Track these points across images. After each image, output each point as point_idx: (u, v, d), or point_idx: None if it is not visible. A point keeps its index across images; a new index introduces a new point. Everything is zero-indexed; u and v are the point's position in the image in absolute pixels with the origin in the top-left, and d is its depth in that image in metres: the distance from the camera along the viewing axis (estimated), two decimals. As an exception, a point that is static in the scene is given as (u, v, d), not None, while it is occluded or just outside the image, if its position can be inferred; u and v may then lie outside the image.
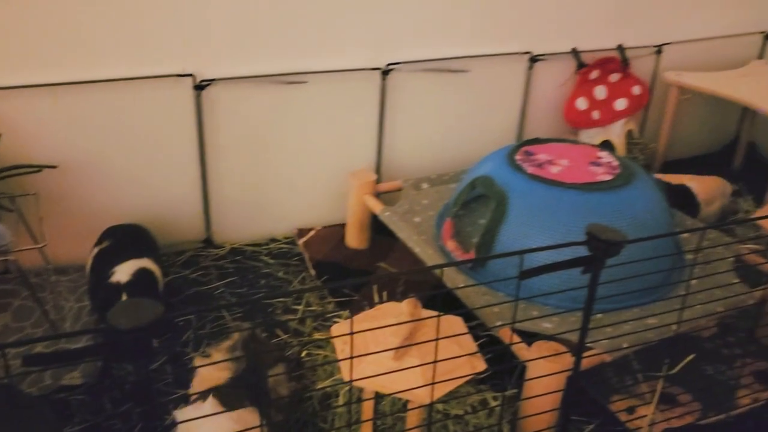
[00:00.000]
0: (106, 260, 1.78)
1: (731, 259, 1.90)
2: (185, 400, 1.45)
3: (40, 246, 1.69)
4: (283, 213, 2.32)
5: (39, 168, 1.81)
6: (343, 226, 2.32)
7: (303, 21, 2.07)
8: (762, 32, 2.94)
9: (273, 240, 2.32)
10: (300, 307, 1.99)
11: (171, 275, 2.09)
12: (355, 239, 2.28)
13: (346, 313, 1.94)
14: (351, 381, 1.22)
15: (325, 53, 2.14)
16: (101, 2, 1.82)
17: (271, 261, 2.21)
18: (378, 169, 2.39)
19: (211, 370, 1.50)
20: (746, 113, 2.95)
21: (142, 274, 1.74)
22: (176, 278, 2.09)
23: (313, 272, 2.14)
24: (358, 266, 2.19)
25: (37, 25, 1.78)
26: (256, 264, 2.19)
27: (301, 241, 2.28)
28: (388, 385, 1.31)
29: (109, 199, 2.05)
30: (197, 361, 1.57)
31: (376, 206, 2.15)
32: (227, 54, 2.01)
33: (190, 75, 1.98)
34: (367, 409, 1.48)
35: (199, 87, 2.00)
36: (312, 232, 2.34)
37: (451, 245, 1.92)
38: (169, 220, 2.17)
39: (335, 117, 2.25)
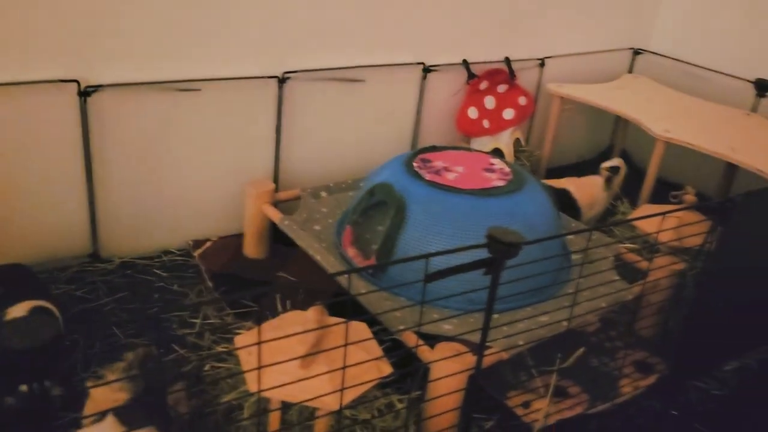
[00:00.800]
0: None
1: (612, 258, 2.04)
2: (76, 425, 1.37)
3: None
4: (176, 224, 2.24)
5: None
6: (240, 236, 2.28)
7: (198, 26, 2.02)
8: (631, 48, 3.19)
9: (166, 252, 2.23)
10: (197, 321, 1.92)
11: (54, 291, 1.97)
12: (253, 249, 2.24)
13: (248, 324, 1.90)
14: (258, 392, 1.20)
15: (220, 60, 2.10)
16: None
17: (165, 274, 2.13)
18: (275, 178, 2.36)
19: (107, 392, 1.42)
20: (619, 122, 3.19)
21: (39, 311, 1.61)
22: (60, 295, 1.96)
23: (210, 284, 2.08)
24: (257, 276, 2.15)
25: None
26: (149, 278, 2.10)
27: (196, 253, 2.21)
28: (297, 393, 1.30)
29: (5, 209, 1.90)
30: (90, 383, 1.48)
31: (275, 215, 2.12)
32: (115, 58, 1.93)
33: (75, 81, 1.88)
34: (274, 420, 1.46)
35: (85, 93, 1.90)
36: (208, 243, 2.27)
37: (351, 252, 1.93)
38: (51, 233, 2.04)
39: (230, 125, 2.21)
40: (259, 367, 1.14)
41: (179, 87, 2.04)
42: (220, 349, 1.79)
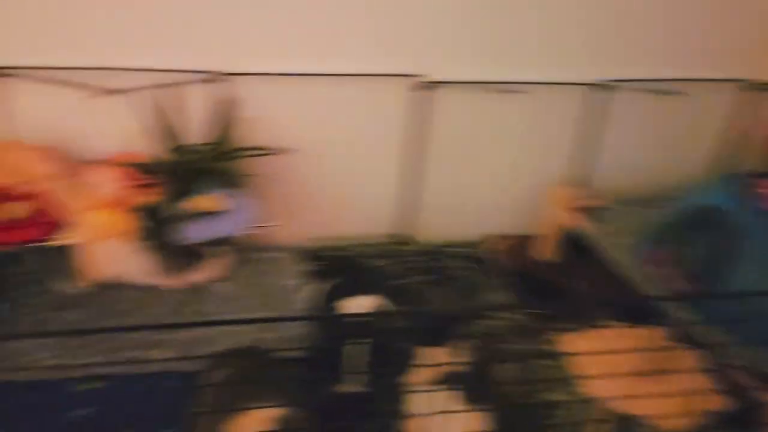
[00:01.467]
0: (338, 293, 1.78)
1: None
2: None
3: (277, 225, 1.81)
4: (475, 218, 2.35)
5: (273, 152, 1.93)
6: (531, 238, 2.32)
7: (526, 31, 2.08)
8: None
9: (465, 244, 2.35)
10: (495, 317, 2.01)
11: (370, 265, 2.18)
12: (546, 252, 2.27)
13: (556, 326, 1.94)
14: (594, 398, 1.22)
15: (543, 64, 2.14)
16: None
17: (465, 264, 2.25)
18: (580, 184, 2.36)
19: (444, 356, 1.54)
20: None
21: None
22: (375, 269, 2.17)
23: (503, 280, 2.16)
24: (549, 280, 2.18)
25: (282, 20, 1.90)
26: (452, 265, 2.24)
27: (492, 248, 2.30)
28: (631, 406, 1.30)
29: (330, 185, 2.15)
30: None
31: (577, 222, 2.13)
32: (457, 58, 2.06)
33: (418, 75, 2.05)
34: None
35: (422, 88, 2.06)
36: (502, 240, 2.35)
37: (658, 272, 1.87)
38: (367, 212, 2.26)
39: (540, 128, 2.25)
40: (596, 376, 1.16)
41: (505, 89, 2.12)
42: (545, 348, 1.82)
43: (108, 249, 1.58)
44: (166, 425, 1.55)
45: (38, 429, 1.49)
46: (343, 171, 2.16)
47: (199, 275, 1.88)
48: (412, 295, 2.03)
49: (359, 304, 1.71)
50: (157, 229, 1.63)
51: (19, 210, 1.58)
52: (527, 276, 2.19)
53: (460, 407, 1.40)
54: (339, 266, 1.94)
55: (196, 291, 1.91)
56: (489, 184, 2.30)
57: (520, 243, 2.34)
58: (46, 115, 1.88)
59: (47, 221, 1.60)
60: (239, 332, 1.79)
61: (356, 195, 2.21)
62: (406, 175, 2.21)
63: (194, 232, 1.65)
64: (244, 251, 2.01)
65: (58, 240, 1.58)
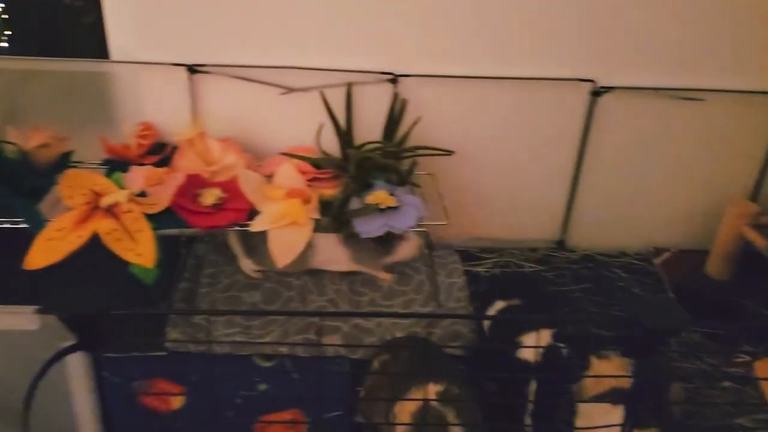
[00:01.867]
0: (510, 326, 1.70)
1: None
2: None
3: (443, 223, 1.84)
4: (639, 228, 2.27)
5: (447, 152, 1.97)
6: (704, 252, 2.20)
7: (705, 36, 1.98)
8: None
9: (623, 254, 2.27)
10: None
11: (526, 269, 2.16)
12: (717, 269, 2.14)
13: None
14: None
15: (727, 71, 2.03)
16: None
17: (624, 274, 2.17)
18: (758, 199, 2.21)
19: (609, 368, 1.51)
20: None
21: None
22: (533, 272, 2.15)
23: (671, 296, 2.06)
24: (720, 299, 2.06)
25: (457, 23, 1.93)
26: (609, 275, 2.17)
27: (657, 261, 2.21)
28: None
29: (489, 187, 2.17)
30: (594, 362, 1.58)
31: (758, 239, 1.99)
32: (627, 63, 2.00)
33: (591, 81, 2.01)
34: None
35: (596, 93, 2.02)
36: (668, 254, 2.25)
37: None
38: (527, 215, 2.24)
39: (719, 138, 2.13)
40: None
41: (683, 96, 2.03)
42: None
43: (288, 237, 1.68)
44: (333, 407, 1.63)
45: (221, 398, 1.61)
46: (508, 174, 2.16)
47: (387, 259, 1.96)
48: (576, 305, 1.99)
49: (536, 339, 1.66)
50: (333, 221, 1.71)
51: (212, 196, 1.72)
52: (696, 292, 2.08)
53: (626, 424, 1.36)
54: (513, 287, 1.93)
55: (365, 281, 1.98)
56: (660, 194, 2.21)
57: (691, 257, 2.22)
58: (232, 109, 2.03)
59: (236, 208, 1.73)
60: (400, 326, 1.85)
61: (520, 198, 2.20)
62: (572, 181, 2.17)
63: (367, 227, 1.72)
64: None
65: (245, 226, 1.70)
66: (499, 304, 1.81)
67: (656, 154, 2.14)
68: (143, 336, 1.72)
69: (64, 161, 1.90)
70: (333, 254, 1.91)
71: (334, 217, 1.70)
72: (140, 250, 1.63)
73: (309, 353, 1.76)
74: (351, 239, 1.88)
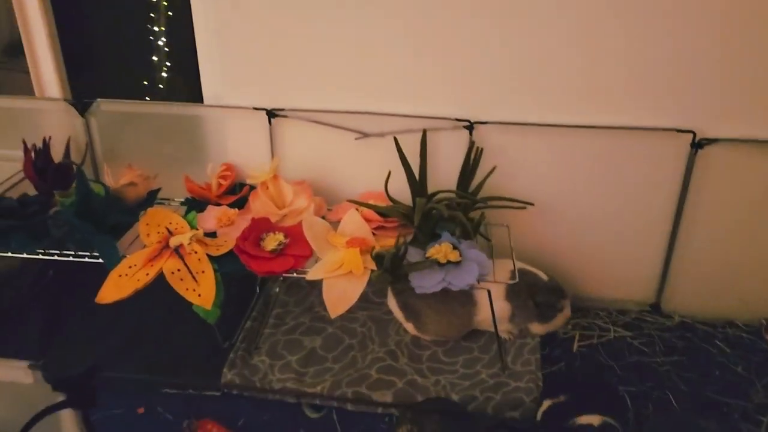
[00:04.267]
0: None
1: None
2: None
3: (514, 281, 1.73)
4: (748, 296, 2.00)
5: (524, 204, 1.86)
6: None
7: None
8: None
9: (730, 324, 2.02)
10: (764, 419, 1.67)
11: (613, 334, 1.98)
12: (843, 352, 1.84)
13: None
14: None
15: None
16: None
17: (727, 349, 1.92)
18: None
19: None
20: None
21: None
22: (618, 339, 1.96)
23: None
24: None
25: (538, 70, 1.82)
26: (709, 348, 1.93)
27: (767, 336, 1.94)
28: None
29: (574, 241, 2.02)
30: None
31: None
32: (732, 113, 1.79)
33: (691, 131, 1.81)
34: None
35: (698, 145, 1.82)
36: (782, 327, 1.97)
37: None
38: (620, 274, 2.06)
39: None
40: None
41: (797, 149, 1.78)
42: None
43: (342, 287, 1.65)
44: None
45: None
46: (593, 228, 2.00)
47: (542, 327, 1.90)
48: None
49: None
50: (388, 274, 1.66)
51: (274, 242, 1.73)
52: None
53: None
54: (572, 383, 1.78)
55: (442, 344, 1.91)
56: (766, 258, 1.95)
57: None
58: (308, 153, 2.05)
59: (297, 254, 1.73)
60: (459, 387, 1.75)
61: (608, 253, 2.02)
62: (669, 238, 1.97)
63: (423, 282, 1.65)
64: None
65: (303, 273, 1.69)
66: (545, 404, 1.66)
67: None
68: (200, 374, 1.76)
69: (151, 199, 2.01)
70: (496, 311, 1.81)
71: (389, 270, 1.65)
72: (201, 291, 1.67)
73: (357, 408, 1.71)
74: (513, 298, 1.84)
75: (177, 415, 1.69)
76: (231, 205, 1.95)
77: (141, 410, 1.71)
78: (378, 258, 1.66)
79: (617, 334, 1.98)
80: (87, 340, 1.87)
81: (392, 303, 1.94)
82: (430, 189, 1.91)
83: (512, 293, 1.83)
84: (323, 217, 1.90)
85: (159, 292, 1.61)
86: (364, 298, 2.08)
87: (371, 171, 1.99)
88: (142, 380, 1.78)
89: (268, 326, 1.98)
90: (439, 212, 1.76)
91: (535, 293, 1.83)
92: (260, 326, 1.97)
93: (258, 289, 2.11)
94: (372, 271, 1.68)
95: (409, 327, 1.92)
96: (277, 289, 2.11)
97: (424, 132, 1.89)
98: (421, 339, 1.93)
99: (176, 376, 1.78)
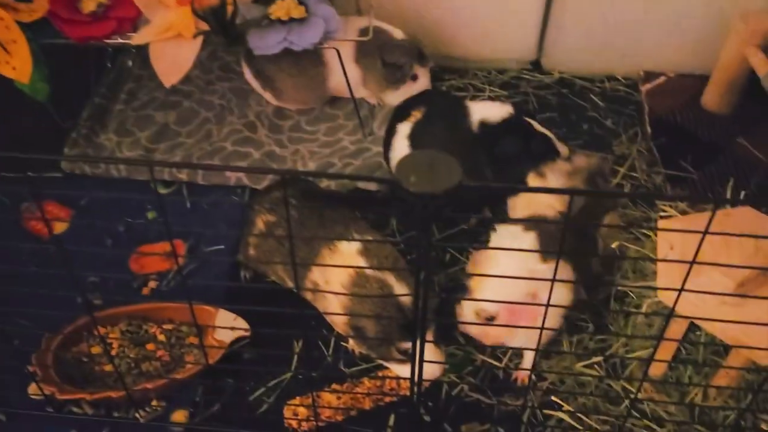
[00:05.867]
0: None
1: None
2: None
3: (363, 39, 1.58)
4: (630, 49, 1.90)
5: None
6: (703, 78, 1.84)
7: None
8: None
9: (611, 78, 1.94)
10: (621, 169, 1.67)
11: (488, 94, 1.89)
12: (714, 100, 1.79)
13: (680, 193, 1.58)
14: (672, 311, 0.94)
15: None
16: None
17: (602, 104, 1.87)
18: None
19: (543, 196, 1.33)
20: None
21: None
22: (491, 99, 1.88)
23: (648, 130, 1.76)
24: (708, 136, 1.75)
25: None
26: (583, 103, 1.87)
27: (644, 88, 1.87)
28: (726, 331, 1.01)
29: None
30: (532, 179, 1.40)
31: (761, 65, 1.62)
32: None
33: None
34: (675, 330, 1.20)
35: None
36: (661, 79, 1.89)
37: None
38: (498, 33, 1.91)
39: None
40: (681, 289, 0.86)
41: None
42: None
43: (172, 52, 1.49)
44: (217, 241, 1.53)
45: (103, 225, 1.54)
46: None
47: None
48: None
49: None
50: (226, 33, 1.49)
51: (92, 3, 1.52)
52: (677, 128, 1.76)
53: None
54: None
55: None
56: (654, 7, 1.81)
57: (688, 85, 1.87)
58: None
59: (120, 17, 1.53)
60: (318, 155, 1.69)
61: (481, 9, 1.85)
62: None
63: (262, 42, 1.49)
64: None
65: (127, 39, 1.51)
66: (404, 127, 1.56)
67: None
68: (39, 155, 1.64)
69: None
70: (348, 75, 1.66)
71: (222, 29, 1.48)
72: (15, 63, 1.49)
73: (208, 181, 1.64)
74: (363, 60, 1.68)
75: (15, 199, 1.59)
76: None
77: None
78: (204, 16, 1.48)
79: (492, 93, 1.90)
80: None
81: (246, 71, 1.79)
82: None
83: (362, 54, 1.69)
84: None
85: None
86: (225, 67, 1.94)
87: None
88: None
89: (118, 103, 1.83)
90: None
91: (384, 53, 1.68)
92: (110, 103, 1.82)
93: (110, 63, 1.92)
94: (206, 31, 1.50)
95: (268, 96, 1.79)
96: (131, 63, 1.93)
97: None
98: (284, 109, 1.82)
99: (12, 158, 1.66)
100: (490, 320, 1.19)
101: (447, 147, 1.39)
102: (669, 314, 0.86)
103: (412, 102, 1.58)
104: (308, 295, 1.33)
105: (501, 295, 1.10)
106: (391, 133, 1.56)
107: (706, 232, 0.77)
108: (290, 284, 1.36)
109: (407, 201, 0.76)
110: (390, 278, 1.22)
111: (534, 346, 0.97)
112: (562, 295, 1.18)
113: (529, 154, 1.46)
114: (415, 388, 1.01)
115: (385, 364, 1.29)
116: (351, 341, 1.33)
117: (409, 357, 1.07)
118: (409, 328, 1.14)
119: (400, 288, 1.20)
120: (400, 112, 1.57)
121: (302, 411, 1.26)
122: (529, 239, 1.24)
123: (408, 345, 1.18)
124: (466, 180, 0.76)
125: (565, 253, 1.21)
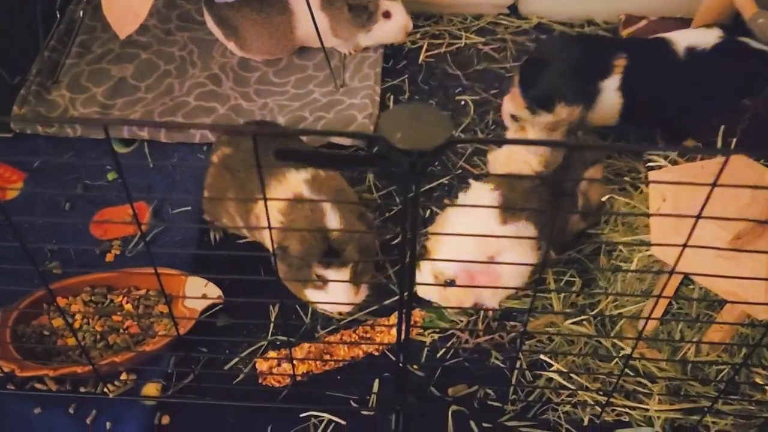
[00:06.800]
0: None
1: None
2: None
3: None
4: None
5: None
6: (686, 22, 1.77)
7: None
8: None
9: (590, 22, 1.87)
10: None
11: (464, 41, 1.81)
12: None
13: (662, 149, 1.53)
14: (673, 269, 0.89)
15: None
16: None
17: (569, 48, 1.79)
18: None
19: (521, 151, 1.26)
20: None
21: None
22: (468, 46, 1.80)
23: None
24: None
25: None
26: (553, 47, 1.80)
27: (625, 32, 1.80)
28: (717, 282, 0.97)
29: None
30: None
31: (747, 6, 1.56)
32: None
33: None
34: (668, 285, 1.16)
35: None
36: (642, 23, 1.83)
37: None
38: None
39: None
40: (685, 245, 0.81)
41: None
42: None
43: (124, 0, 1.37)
44: (183, 202, 1.45)
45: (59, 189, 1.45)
46: None
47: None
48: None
49: None
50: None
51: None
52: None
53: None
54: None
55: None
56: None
57: (669, 28, 1.80)
58: None
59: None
60: (288, 108, 1.60)
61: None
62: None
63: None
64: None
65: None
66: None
67: None
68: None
69: None
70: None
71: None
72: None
73: (171, 138, 1.54)
74: (329, 7, 1.58)
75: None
76: None
77: None
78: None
79: (469, 41, 1.81)
80: None
81: (208, 20, 1.67)
82: None
83: (328, 2, 1.58)
84: None
85: None
86: (184, 16, 1.82)
87: None
88: None
89: (70, 56, 1.70)
90: None
91: None
92: (61, 57, 1.69)
93: (58, 13, 1.78)
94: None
95: (232, 46, 1.68)
96: (81, 13, 1.79)
97: None
98: (250, 60, 1.71)
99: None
100: (450, 284, 1.15)
101: (663, 87, 1.41)
102: (671, 272, 0.81)
103: (602, 54, 1.47)
104: (255, 234, 1.28)
105: (458, 257, 1.05)
106: (593, 93, 1.45)
107: (708, 184, 0.71)
108: (240, 223, 1.30)
109: (392, 159, 0.69)
110: (325, 204, 1.17)
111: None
112: (525, 255, 1.14)
113: (747, 78, 1.38)
114: (401, 356, 0.96)
115: (304, 291, 1.22)
116: (278, 264, 1.27)
117: (324, 283, 1.13)
118: (328, 254, 1.14)
119: (332, 215, 1.17)
120: (597, 67, 1.45)
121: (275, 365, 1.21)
122: (492, 198, 1.19)
123: (325, 271, 1.15)
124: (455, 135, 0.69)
125: (528, 212, 1.16)
